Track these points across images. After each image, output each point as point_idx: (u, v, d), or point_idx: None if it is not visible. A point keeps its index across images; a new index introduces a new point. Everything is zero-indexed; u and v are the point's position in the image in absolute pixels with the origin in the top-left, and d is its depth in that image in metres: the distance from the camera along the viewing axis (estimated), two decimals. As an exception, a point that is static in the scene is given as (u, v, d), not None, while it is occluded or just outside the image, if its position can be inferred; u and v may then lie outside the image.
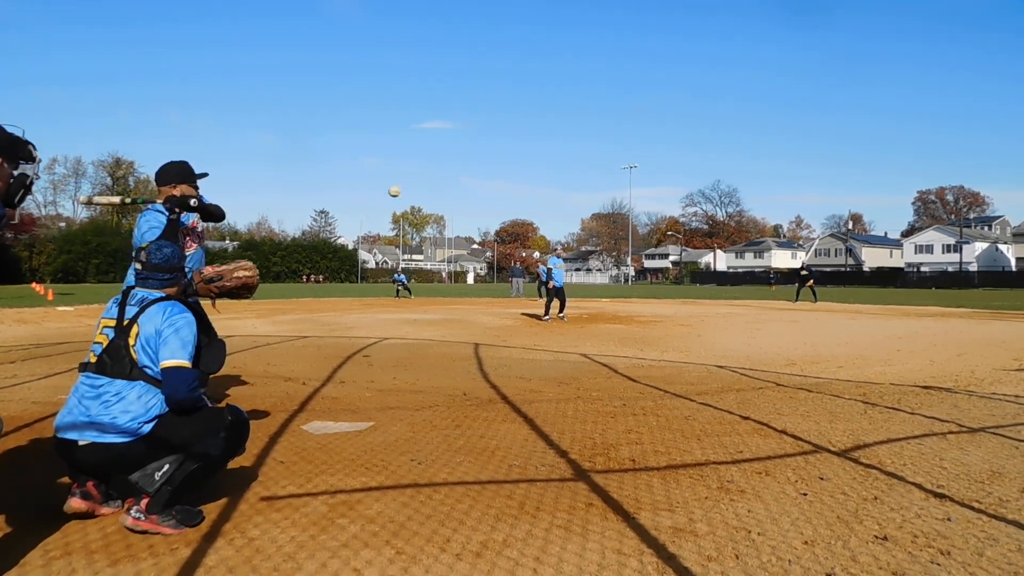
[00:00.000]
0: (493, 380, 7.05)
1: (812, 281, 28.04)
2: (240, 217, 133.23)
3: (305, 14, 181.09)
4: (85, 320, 15.83)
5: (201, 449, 2.94)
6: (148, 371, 3.02)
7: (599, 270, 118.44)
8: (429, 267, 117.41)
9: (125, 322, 3.07)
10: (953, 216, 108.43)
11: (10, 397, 5.82)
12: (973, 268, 78.86)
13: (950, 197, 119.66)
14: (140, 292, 3.20)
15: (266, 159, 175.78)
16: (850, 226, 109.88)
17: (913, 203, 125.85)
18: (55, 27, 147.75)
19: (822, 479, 3.60)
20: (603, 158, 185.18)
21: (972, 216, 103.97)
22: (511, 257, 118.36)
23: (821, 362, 8.70)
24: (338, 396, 6.04)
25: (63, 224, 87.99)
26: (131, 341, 3.03)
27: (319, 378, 6.99)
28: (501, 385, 6.71)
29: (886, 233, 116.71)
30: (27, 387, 6.38)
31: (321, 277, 78.51)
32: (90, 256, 65.55)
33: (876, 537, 2.80)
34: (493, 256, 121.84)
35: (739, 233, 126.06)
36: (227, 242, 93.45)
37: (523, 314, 18.58)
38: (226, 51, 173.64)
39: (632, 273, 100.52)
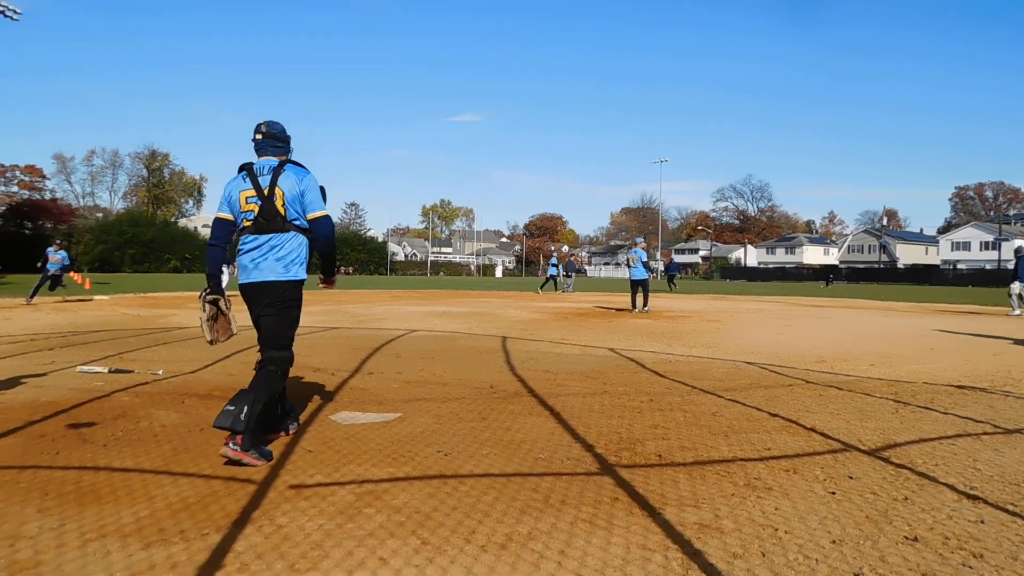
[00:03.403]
0: (520, 373, 7.06)
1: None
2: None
3: (337, 7, 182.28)
4: (120, 308, 16.14)
5: (284, 355, 4.00)
6: (296, 223, 4.00)
7: (628, 265, 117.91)
8: (458, 260, 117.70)
9: (265, 190, 3.96)
10: (992, 212, 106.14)
11: (49, 383, 5.96)
12: (1012, 266, 77.10)
13: (989, 193, 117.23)
14: (262, 162, 4.08)
15: (298, 151, 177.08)
16: (884, 222, 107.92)
17: (950, 199, 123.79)
18: (95, 18, 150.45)
19: (851, 478, 3.56)
20: (633, 152, 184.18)
21: (1012, 213, 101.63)
22: (539, 250, 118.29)
23: (852, 359, 8.58)
24: (366, 387, 6.10)
25: (100, 215, 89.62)
26: (279, 203, 3.95)
27: (347, 369, 7.06)
28: (528, 378, 6.72)
29: (922, 229, 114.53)
30: (64, 373, 6.52)
31: (351, 269, 79.15)
32: (126, 246, 66.82)
33: (906, 538, 2.76)
34: (522, 249, 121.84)
35: (770, 228, 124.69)
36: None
37: (598, 307, 18.57)
38: (258, 42, 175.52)
39: (661, 268, 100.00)
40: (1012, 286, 17.74)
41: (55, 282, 18.31)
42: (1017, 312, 17.29)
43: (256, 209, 3.98)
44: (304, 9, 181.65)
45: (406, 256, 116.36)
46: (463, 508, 3.04)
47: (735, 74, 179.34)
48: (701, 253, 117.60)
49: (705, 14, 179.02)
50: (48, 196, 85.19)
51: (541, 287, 30.56)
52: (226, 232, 4.14)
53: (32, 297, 17.25)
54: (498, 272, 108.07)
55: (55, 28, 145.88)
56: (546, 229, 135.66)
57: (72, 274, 21.93)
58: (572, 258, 36.75)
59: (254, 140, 4.13)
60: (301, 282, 4.08)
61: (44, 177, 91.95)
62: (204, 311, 4.17)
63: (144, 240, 67.89)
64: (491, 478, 3.49)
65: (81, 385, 5.87)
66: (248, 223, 4.02)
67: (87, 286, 24.03)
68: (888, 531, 2.83)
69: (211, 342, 4.24)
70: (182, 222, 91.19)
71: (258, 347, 4.07)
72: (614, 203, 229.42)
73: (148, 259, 67.58)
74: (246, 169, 4.11)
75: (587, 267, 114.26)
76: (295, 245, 4.02)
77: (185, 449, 3.96)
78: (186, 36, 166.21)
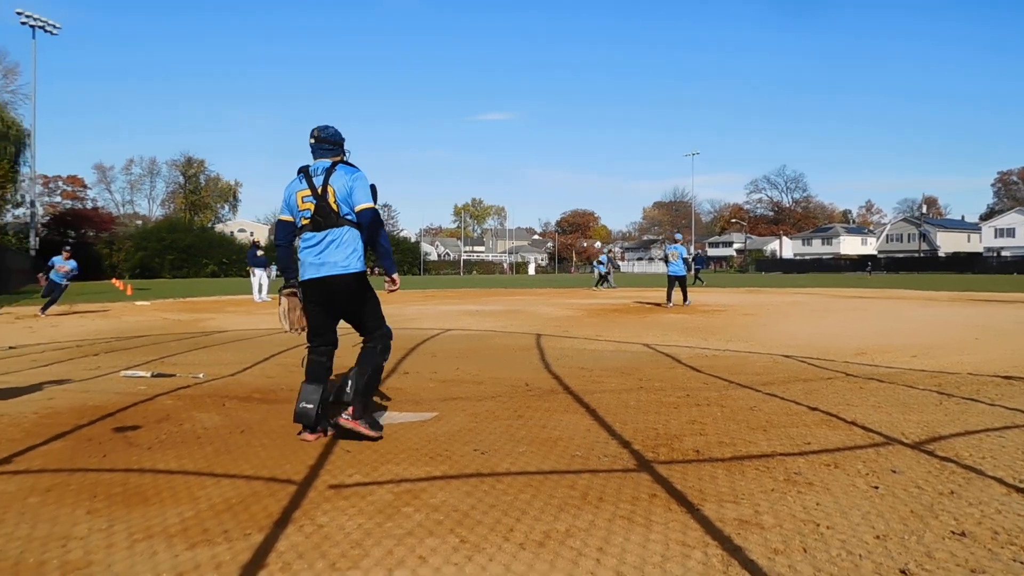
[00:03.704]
0: (555, 370, 7.06)
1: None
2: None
3: (365, 9, 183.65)
4: (161, 314, 16.46)
5: (381, 332, 4.43)
6: (348, 218, 4.24)
7: (661, 259, 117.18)
8: (490, 259, 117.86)
9: (320, 189, 4.22)
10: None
11: (95, 388, 6.10)
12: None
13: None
14: (316, 164, 4.35)
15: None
16: (924, 210, 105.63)
17: (993, 184, 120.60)
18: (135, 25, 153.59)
19: (894, 472, 3.49)
20: (665, 146, 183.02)
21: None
22: (571, 247, 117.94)
23: (893, 351, 8.42)
24: (402, 387, 6.14)
25: (139, 222, 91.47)
26: (331, 201, 4.22)
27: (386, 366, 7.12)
28: (563, 375, 6.71)
29: (963, 217, 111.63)
30: (109, 378, 6.67)
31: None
32: (165, 252, 67.98)
33: (953, 533, 2.70)
34: (554, 246, 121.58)
35: (806, 219, 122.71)
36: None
37: (632, 302, 18.51)
38: (288, 44, 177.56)
39: (692, 261, 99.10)
40: None
41: (51, 291, 15.76)
42: None
43: (312, 208, 4.26)
44: (334, 11, 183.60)
45: (439, 256, 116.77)
46: (500, 506, 3.05)
47: (766, 64, 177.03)
48: (735, 246, 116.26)
49: (735, 5, 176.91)
50: (90, 205, 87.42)
51: (597, 285, 30.56)
52: (288, 232, 4.49)
53: (45, 310, 15.57)
54: (531, 270, 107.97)
55: (92, 40, 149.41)
56: (578, 225, 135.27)
57: (114, 281, 22.31)
58: (610, 254, 36.94)
59: (310, 144, 4.42)
60: (363, 273, 4.33)
61: (85, 187, 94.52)
62: (281, 304, 4.56)
63: (182, 246, 69.01)
64: (528, 476, 3.50)
65: (125, 389, 6.00)
66: (306, 221, 4.30)
67: (129, 292, 24.52)
68: (934, 526, 2.77)
69: (289, 331, 4.60)
70: (218, 227, 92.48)
71: (360, 335, 4.48)
72: (646, 198, 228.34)
73: (187, 264, 68.70)
74: (303, 171, 4.38)
75: (620, 263, 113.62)
76: (350, 238, 4.26)
77: (227, 450, 4.03)
78: (218, 38, 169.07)
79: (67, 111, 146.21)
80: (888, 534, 2.70)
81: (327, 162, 4.36)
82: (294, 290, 4.44)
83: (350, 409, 4.16)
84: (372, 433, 4.17)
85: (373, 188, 4.34)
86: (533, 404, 5.32)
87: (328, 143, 4.41)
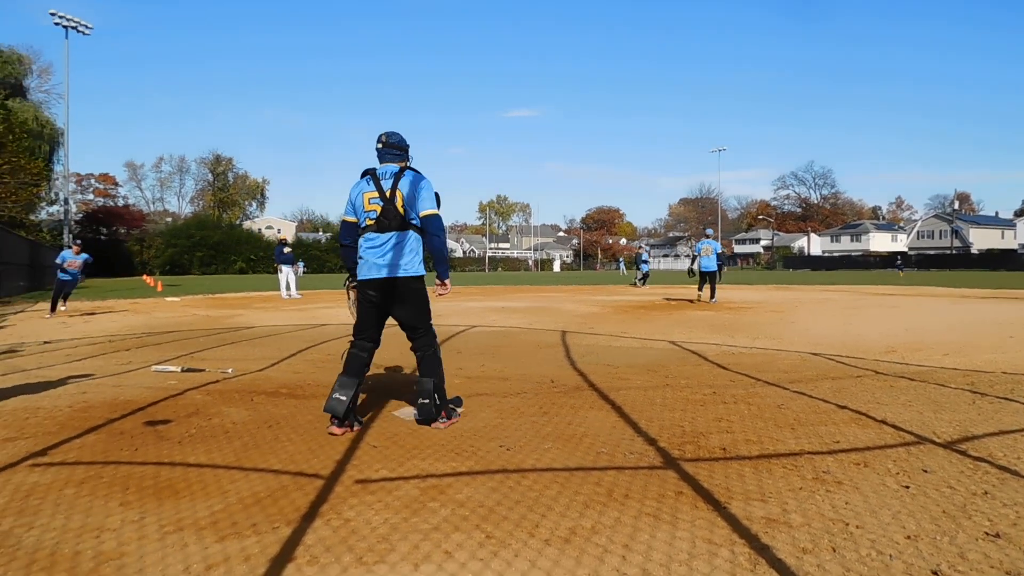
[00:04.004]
0: (580, 367, 7.04)
1: None
2: (332, 209, 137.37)
3: (392, 16, 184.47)
4: (191, 310, 16.70)
5: (429, 335, 4.61)
6: (413, 222, 4.43)
7: (687, 256, 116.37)
8: (515, 255, 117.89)
9: (388, 192, 4.41)
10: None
11: (125, 382, 6.21)
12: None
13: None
14: (384, 168, 4.51)
15: (358, 150, 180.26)
16: (956, 206, 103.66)
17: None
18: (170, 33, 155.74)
19: (925, 471, 3.44)
20: (691, 142, 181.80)
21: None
22: (596, 244, 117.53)
23: (924, 349, 8.28)
24: (427, 383, 6.15)
25: (169, 219, 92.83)
26: (399, 204, 4.40)
27: (410, 366, 7.15)
28: (588, 372, 6.69)
29: (997, 213, 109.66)
30: (140, 373, 6.79)
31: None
32: (194, 249, 68.95)
33: (987, 534, 2.65)
34: (580, 243, 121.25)
35: (834, 216, 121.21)
36: (320, 234, 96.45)
37: (658, 299, 18.44)
38: (309, 34, 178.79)
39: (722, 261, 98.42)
40: None
41: (61, 288, 15.01)
42: None
43: (379, 209, 4.45)
44: (360, 20, 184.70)
45: (464, 253, 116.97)
46: (526, 502, 3.05)
47: (793, 56, 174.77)
48: (763, 242, 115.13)
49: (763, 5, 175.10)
50: (121, 203, 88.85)
51: (639, 282, 30.63)
52: (352, 232, 4.65)
53: (54, 310, 14.85)
54: (556, 266, 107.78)
55: (124, 38, 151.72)
56: (603, 222, 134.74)
57: (145, 277, 22.58)
58: (639, 251, 37.32)
59: (377, 149, 4.59)
60: (423, 276, 4.55)
61: (117, 184, 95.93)
62: (349, 297, 4.82)
63: (211, 243, 69.93)
64: (553, 472, 3.50)
65: (156, 384, 6.10)
66: (371, 222, 4.47)
67: (159, 288, 24.89)
68: (967, 527, 2.73)
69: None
70: (246, 224, 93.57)
71: (408, 337, 4.68)
72: (672, 194, 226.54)
73: (215, 261, 69.60)
74: (370, 174, 4.55)
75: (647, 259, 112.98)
76: (414, 242, 4.47)
77: (255, 445, 4.08)
78: (239, 31, 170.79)
79: (99, 109, 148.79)
80: (919, 534, 2.66)
81: (395, 167, 4.53)
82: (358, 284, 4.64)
83: (443, 414, 4.52)
84: (455, 419, 4.64)
85: (437, 196, 4.53)
86: (559, 400, 5.32)
87: (396, 149, 4.59)
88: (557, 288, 29.63)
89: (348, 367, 4.47)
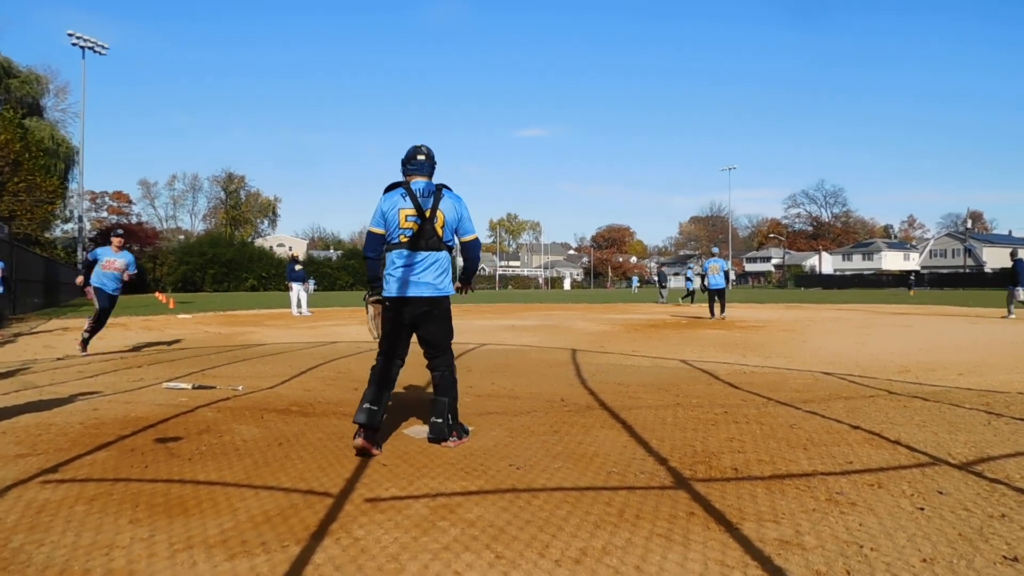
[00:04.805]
0: (591, 386, 7.02)
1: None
2: (343, 227, 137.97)
3: (406, 36, 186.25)
4: (203, 327, 16.77)
5: (447, 355, 4.71)
6: (448, 243, 4.52)
7: (699, 274, 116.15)
8: (526, 273, 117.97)
9: (427, 212, 4.41)
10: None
11: (137, 399, 6.23)
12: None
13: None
14: (420, 184, 4.50)
15: (370, 168, 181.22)
16: (969, 225, 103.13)
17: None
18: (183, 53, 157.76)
19: (941, 493, 3.40)
20: (702, 160, 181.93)
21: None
22: (607, 262, 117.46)
23: (939, 369, 8.21)
24: (438, 401, 6.14)
25: (182, 237, 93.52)
26: (438, 226, 4.45)
27: (420, 383, 7.14)
28: (599, 391, 6.67)
29: (1010, 231, 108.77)
30: (151, 390, 6.81)
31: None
32: (206, 266, 69.42)
33: (1005, 558, 2.61)
34: (590, 261, 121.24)
35: (846, 234, 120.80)
36: (331, 251, 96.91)
37: (669, 317, 18.40)
38: (321, 51, 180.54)
39: (733, 277, 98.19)
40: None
41: (103, 312, 10.45)
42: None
43: (416, 228, 4.43)
44: (372, 39, 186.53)
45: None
46: (537, 522, 3.03)
47: (804, 79, 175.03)
48: (774, 261, 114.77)
49: (772, 14, 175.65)
50: (135, 220, 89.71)
51: (692, 300, 30.71)
52: (379, 245, 4.59)
53: (85, 347, 10.38)
54: (566, 284, 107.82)
55: (138, 58, 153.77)
56: (614, 240, 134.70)
57: (158, 294, 22.68)
58: (662, 269, 37.78)
59: (414, 161, 4.55)
60: (449, 296, 4.68)
61: (130, 202, 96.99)
62: (369, 312, 4.82)
63: (223, 260, 70.37)
64: (564, 492, 3.48)
65: (167, 400, 6.11)
66: (405, 239, 4.45)
67: (171, 306, 25.00)
68: (984, 550, 2.69)
69: (375, 338, 4.78)
70: (258, 242, 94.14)
71: (425, 354, 4.70)
72: (682, 212, 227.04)
73: (227, 278, 69.99)
74: (404, 187, 4.50)
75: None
76: (447, 263, 4.56)
77: (265, 463, 4.08)
78: (252, 50, 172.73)
79: (114, 127, 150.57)
80: (935, 557, 2.62)
81: (431, 183, 4.55)
82: (381, 299, 4.63)
83: (454, 434, 4.51)
84: (465, 439, 4.60)
85: None
86: (569, 419, 5.30)
87: (432, 163, 4.61)
88: (567, 306, 29.59)
89: (378, 381, 4.42)
